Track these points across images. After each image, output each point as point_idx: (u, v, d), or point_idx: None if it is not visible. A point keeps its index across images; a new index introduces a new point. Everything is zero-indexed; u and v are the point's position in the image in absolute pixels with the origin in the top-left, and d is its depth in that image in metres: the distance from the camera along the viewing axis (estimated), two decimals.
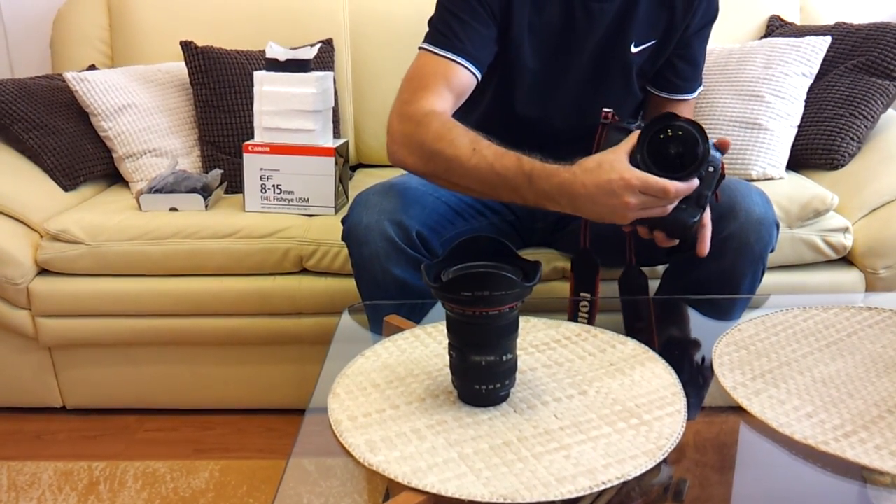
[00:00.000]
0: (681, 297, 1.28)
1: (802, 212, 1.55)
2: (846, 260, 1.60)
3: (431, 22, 1.29)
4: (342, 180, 1.67)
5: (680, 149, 1.01)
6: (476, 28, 1.25)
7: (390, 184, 1.28)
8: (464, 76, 1.24)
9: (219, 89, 1.80)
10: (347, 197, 1.72)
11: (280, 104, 1.58)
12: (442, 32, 1.25)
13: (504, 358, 0.82)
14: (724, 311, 1.27)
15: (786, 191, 1.61)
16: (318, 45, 1.71)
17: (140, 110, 1.79)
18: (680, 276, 1.31)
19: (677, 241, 1.10)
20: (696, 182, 1.02)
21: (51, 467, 1.56)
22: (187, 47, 1.81)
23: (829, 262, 1.59)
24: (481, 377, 0.82)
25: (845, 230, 1.56)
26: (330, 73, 1.67)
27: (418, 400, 0.85)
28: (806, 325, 1.05)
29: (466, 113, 1.29)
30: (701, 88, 1.42)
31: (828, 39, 1.79)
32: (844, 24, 1.87)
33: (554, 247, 1.55)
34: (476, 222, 1.40)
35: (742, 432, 0.89)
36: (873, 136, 1.77)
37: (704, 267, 1.23)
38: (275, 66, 1.59)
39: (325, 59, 1.96)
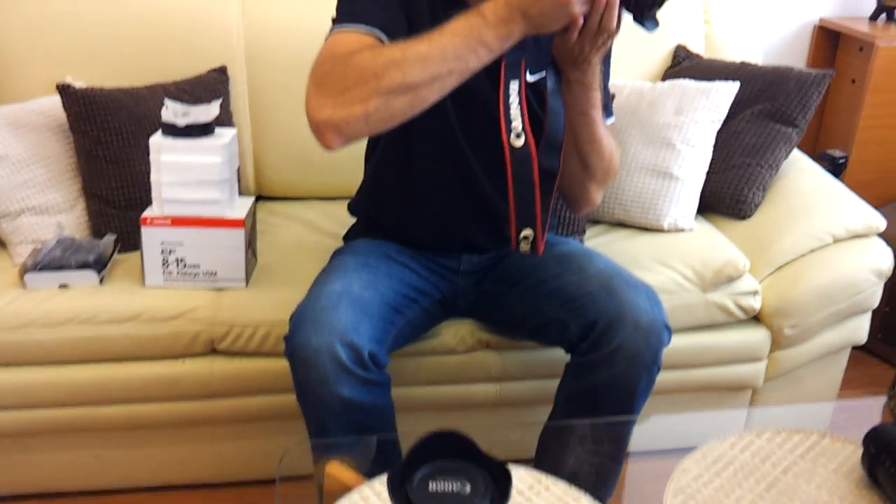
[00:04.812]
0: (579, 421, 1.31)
1: (716, 278, 1.59)
2: (754, 318, 1.66)
3: (336, 14, 1.19)
4: (251, 244, 1.57)
5: None
6: (383, 2, 1.18)
7: (336, 293, 1.21)
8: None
9: (103, 137, 1.63)
10: (257, 258, 1.62)
11: (182, 174, 1.45)
12: (348, 11, 1.16)
13: None
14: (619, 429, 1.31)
15: (698, 252, 1.64)
16: (219, 101, 1.56)
17: (14, 163, 1.60)
18: (575, 380, 1.33)
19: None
20: None
21: None
22: (65, 91, 1.61)
23: (739, 321, 1.65)
24: None
25: (755, 293, 1.61)
26: (233, 131, 1.54)
27: None
28: (743, 457, 1.08)
29: None
30: None
31: (736, 85, 1.81)
32: (749, 64, 1.90)
33: (474, 317, 1.53)
34: (410, 312, 1.36)
35: None
36: (775, 181, 1.82)
37: (598, 373, 1.27)
38: (173, 131, 1.45)
39: (218, 88, 1.81)
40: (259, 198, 1.97)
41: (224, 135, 1.50)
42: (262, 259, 1.64)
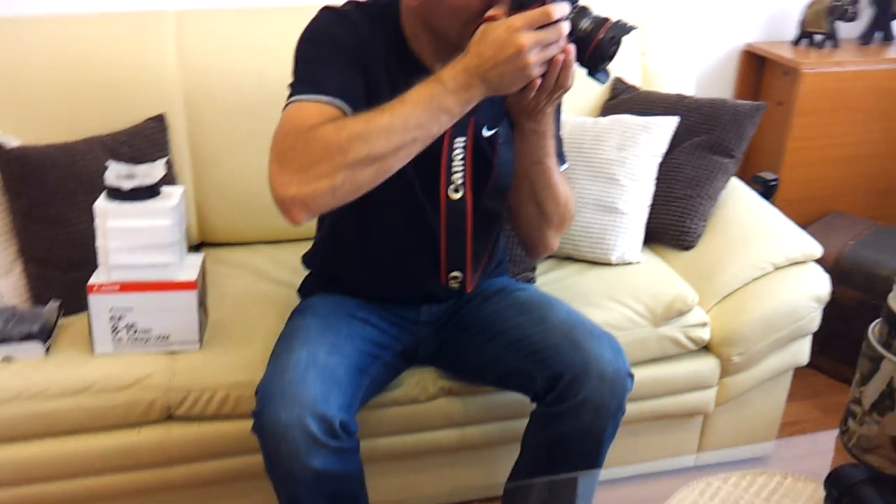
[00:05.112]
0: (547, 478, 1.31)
1: (667, 312, 1.63)
2: (704, 348, 1.70)
3: (293, 81, 1.19)
4: (203, 302, 1.53)
5: None
6: (341, 69, 1.17)
7: (303, 363, 1.19)
8: (339, 116, 1.12)
9: (41, 198, 1.57)
10: (208, 314, 1.58)
11: (129, 240, 1.40)
12: (306, 80, 1.16)
13: None
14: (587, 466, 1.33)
15: (648, 287, 1.68)
16: (164, 160, 1.52)
17: None
18: (542, 430, 1.35)
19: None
20: (566, 6, 1.04)
21: None
22: None
23: (689, 352, 1.69)
24: None
25: (704, 325, 1.66)
26: (180, 190, 1.50)
27: None
28: None
29: None
30: None
31: (675, 119, 1.86)
32: (685, 97, 1.95)
33: (435, 365, 1.53)
34: (374, 369, 1.36)
35: None
36: (715, 211, 1.88)
37: (565, 424, 1.30)
38: (118, 195, 1.40)
39: (157, 137, 1.76)
40: (202, 244, 1.93)
41: (171, 195, 1.46)
42: (214, 314, 1.60)
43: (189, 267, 1.50)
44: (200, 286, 1.50)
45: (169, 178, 1.62)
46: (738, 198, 1.91)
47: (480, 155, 1.27)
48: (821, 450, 1.28)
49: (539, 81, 1.07)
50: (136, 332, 1.45)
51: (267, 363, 1.28)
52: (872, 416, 1.20)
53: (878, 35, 2.42)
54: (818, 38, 2.34)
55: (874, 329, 1.23)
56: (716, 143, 1.86)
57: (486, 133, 1.28)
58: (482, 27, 1.04)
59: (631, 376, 1.31)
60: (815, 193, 2.38)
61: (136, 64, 1.79)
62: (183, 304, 1.45)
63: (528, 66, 1.02)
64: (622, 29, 1.07)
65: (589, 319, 1.36)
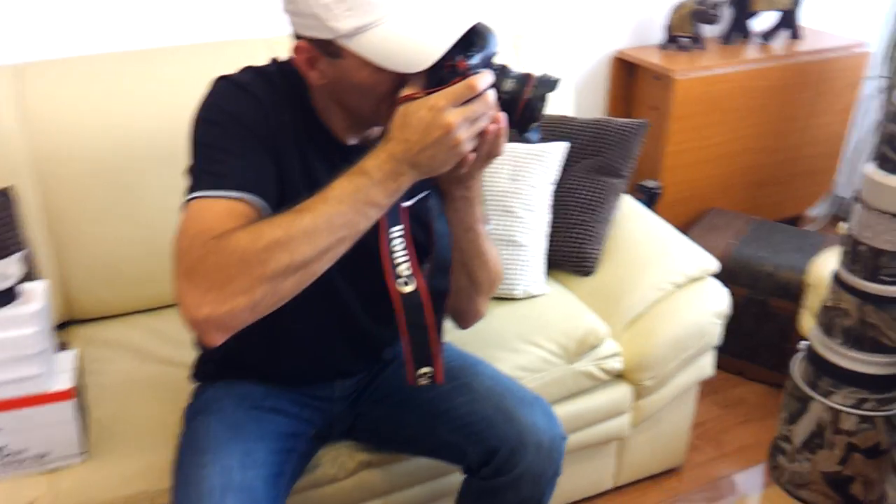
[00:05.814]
0: None
1: (580, 348, 1.61)
2: (617, 376, 1.69)
3: (193, 169, 1.04)
4: (82, 406, 1.37)
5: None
6: (248, 155, 1.03)
7: (217, 489, 1.07)
8: (251, 214, 1.00)
9: None
10: (88, 414, 1.42)
11: None
12: (209, 171, 1.01)
13: None
14: None
15: (559, 323, 1.65)
16: (21, 254, 1.34)
17: None
18: (477, 502, 1.29)
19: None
20: (490, 75, 0.96)
21: None
22: None
23: (603, 382, 1.67)
24: None
25: (616, 355, 1.65)
26: (42, 286, 1.32)
27: None
28: None
29: None
30: None
31: (565, 145, 1.83)
32: (569, 119, 1.92)
33: (351, 439, 1.44)
34: (289, 465, 1.26)
35: None
36: (609, 232, 1.86)
37: (503, 496, 1.25)
38: None
39: (6, 217, 1.56)
40: (68, 322, 1.74)
41: (33, 295, 1.28)
42: (96, 411, 1.43)
43: (61, 372, 1.32)
44: (78, 390, 1.34)
45: (28, 272, 1.42)
46: (629, 216, 1.91)
47: (413, 225, 1.17)
48: (753, 484, 1.28)
49: (472, 156, 0.98)
50: (7, 454, 1.28)
51: (173, 481, 1.15)
52: (803, 454, 1.21)
53: (736, 34, 2.48)
54: (684, 41, 2.38)
55: (796, 367, 1.24)
56: (605, 165, 1.85)
57: (408, 203, 1.17)
58: (402, 109, 0.94)
59: (564, 437, 1.27)
60: (695, 193, 2.43)
61: None
62: (59, 416, 1.29)
63: (459, 144, 0.94)
64: (547, 84, 1.00)
65: (515, 381, 1.30)
